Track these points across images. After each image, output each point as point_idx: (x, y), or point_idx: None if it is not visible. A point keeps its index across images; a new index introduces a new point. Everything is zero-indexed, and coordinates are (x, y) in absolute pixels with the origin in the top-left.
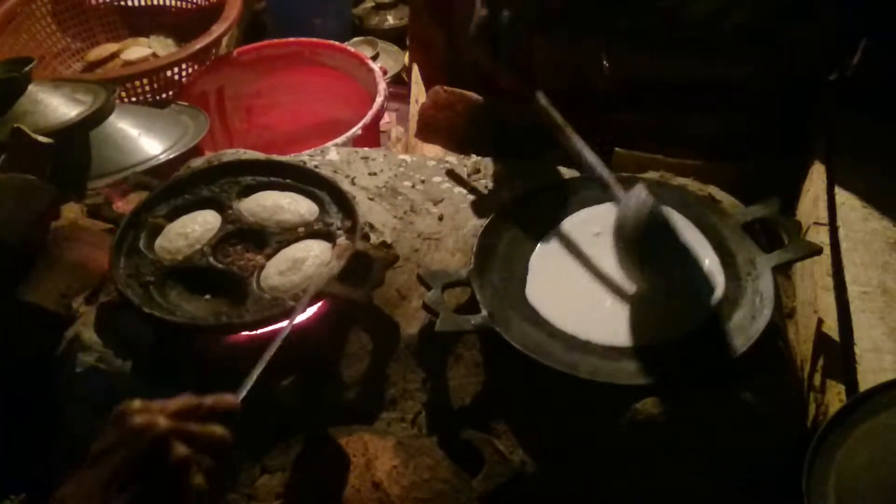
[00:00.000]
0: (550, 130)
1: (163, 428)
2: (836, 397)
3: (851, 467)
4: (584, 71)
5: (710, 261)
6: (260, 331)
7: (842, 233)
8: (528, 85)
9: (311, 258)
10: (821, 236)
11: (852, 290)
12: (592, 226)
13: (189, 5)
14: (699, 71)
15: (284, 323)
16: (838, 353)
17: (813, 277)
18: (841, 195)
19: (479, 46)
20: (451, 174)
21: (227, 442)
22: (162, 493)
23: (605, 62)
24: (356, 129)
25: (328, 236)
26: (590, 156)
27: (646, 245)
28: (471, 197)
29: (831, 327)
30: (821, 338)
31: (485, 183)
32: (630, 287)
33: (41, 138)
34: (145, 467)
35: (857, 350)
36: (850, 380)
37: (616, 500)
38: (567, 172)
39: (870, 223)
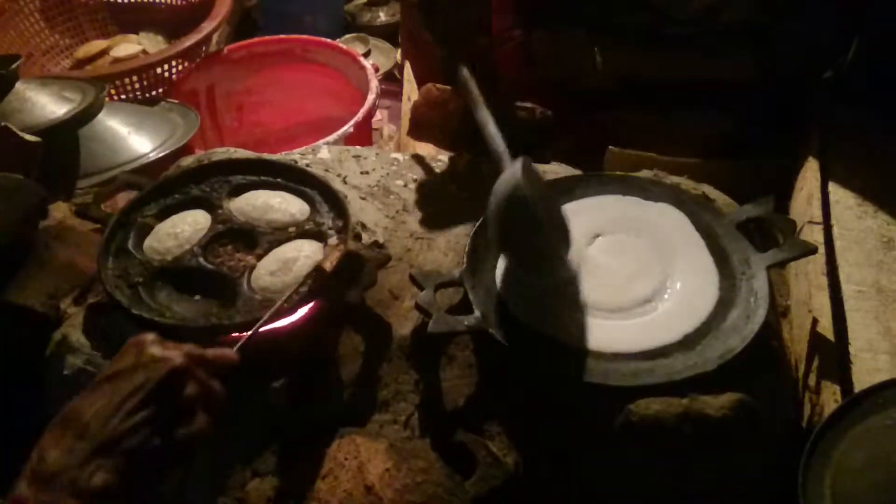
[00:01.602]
0: (466, 102)
1: (180, 363)
2: (831, 397)
3: (847, 468)
4: (579, 67)
5: (703, 261)
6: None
7: (836, 231)
8: (453, 59)
9: (302, 258)
10: (815, 235)
11: (847, 290)
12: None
13: (179, 2)
14: (692, 68)
15: (281, 323)
16: (833, 353)
17: (807, 276)
18: (835, 193)
19: (418, 12)
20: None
21: (223, 397)
22: (171, 422)
23: (599, 59)
24: (348, 127)
25: (319, 236)
26: (492, 128)
27: (506, 220)
28: (463, 195)
29: (826, 327)
30: (815, 338)
31: (477, 181)
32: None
33: (29, 137)
34: (159, 395)
35: (851, 350)
36: (845, 380)
37: (610, 501)
38: (561, 171)
39: (864, 221)
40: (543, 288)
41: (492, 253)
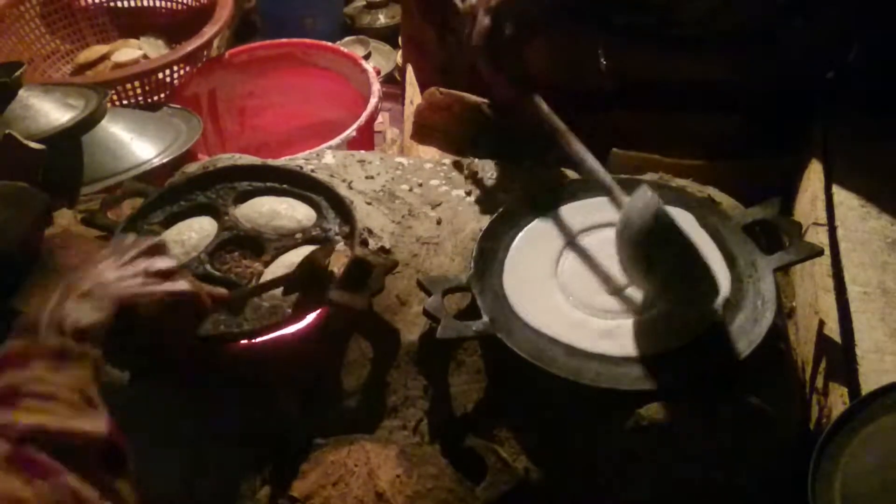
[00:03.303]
0: (551, 135)
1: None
2: (839, 399)
3: (857, 470)
4: (581, 69)
5: (716, 262)
6: (259, 339)
7: (840, 233)
8: (527, 94)
9: None
10: (819, 236)
11: (852, 291)
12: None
13: (179, 6)
14: (697, 70)
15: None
16: (840, 355)
17: (813, 278)
18: (839, 195)
19: (480, 57)
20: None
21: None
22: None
23: (602, 60)
24: (351, 131)
25: (326, 242)
26: (591, 161)
27: (653, 247)
28: (469, 200)
29: (832, 329)
30: (822, 339)
31: (483, 185)
32: (632, 291)
33: (33, 144)
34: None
35: (858, 351)
36: (852, 381)
37: None
38: (570, 173)
39: (868, 223)
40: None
41: (500, 247)
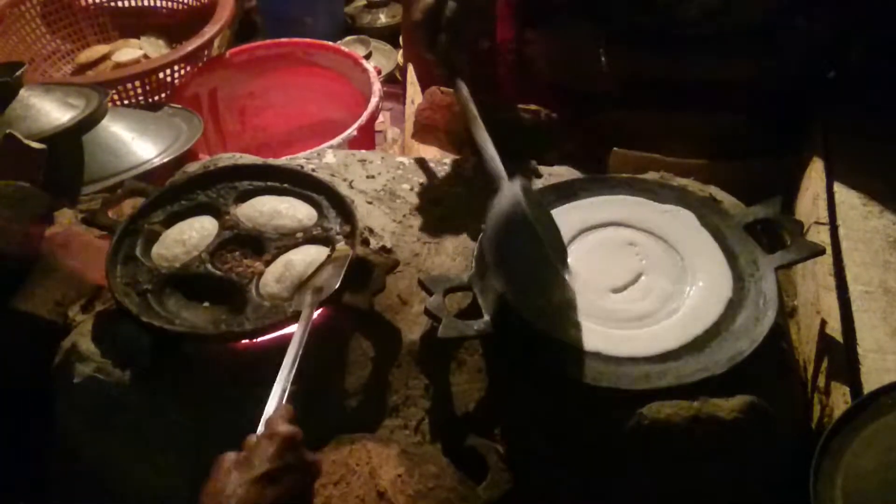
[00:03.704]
0: (465, 120)
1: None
2: (840, 399)
3: (859, 470)
4: (582, 68)
5: (717, 261)
6: (260, 339)
7: (842, 232)
8: (452, 77)
9: (310, 264)
10: (821, 235)
11: (854, 290)
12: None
13: (180, 6)
14: (697, 69)
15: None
16: (842, 354)
17: (815, 277)
18: (840, 193)
19: (418, 31)
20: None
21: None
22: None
23: (602, 60)
24: (351, 131)
25: (327, 241)
26: (490, 149)
27: (505, 239)
28: (470, 199)
29: (834, 328)
30: (824, 339)
31: (484, 184)
32: (632, 291)
33: (34, 144)
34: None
35: (860, 350)
36: (854, 381)
37: None
38: (566, 173)
39: (870, 222)
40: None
41: (490, 273)
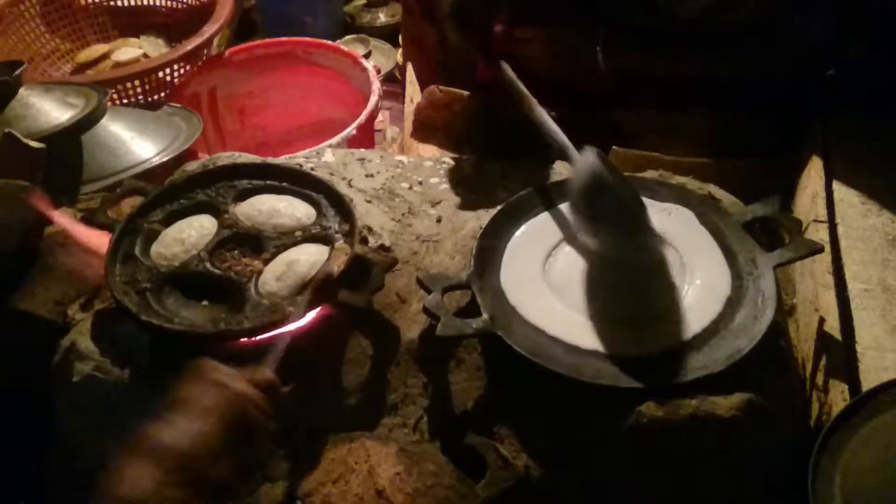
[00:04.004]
0: (516, 99)
1: (252, 395)
2: (839, 396)
3: (857, 467)
4: (581, 67)
5: (716, 259)
6: (259, 337)
7: (841, 230)
8: (493, 61)
9: (309, 262)
10: (820, 233)
11: (853, 288)
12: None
13: (179, 5)
14: (696, 67)
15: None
16: (840, 352)
17: (813, 275)
18: (839, 191)
19: (451, 24)
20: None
21: (278, 427)
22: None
23: (601, 58)
24: (351, 129)
25: (326, 240)
26: (551, 124)
27: (593, 204)
28: (469, 198)
29: (833, 326)
30: (822, 337)
31: (483, 183)
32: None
33: (33, 143)
34: (235, 425)
35: (858, 348)
36: (852, 378)
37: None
38: (565, 171)
39: (868, 220)
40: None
41: (499, 244)
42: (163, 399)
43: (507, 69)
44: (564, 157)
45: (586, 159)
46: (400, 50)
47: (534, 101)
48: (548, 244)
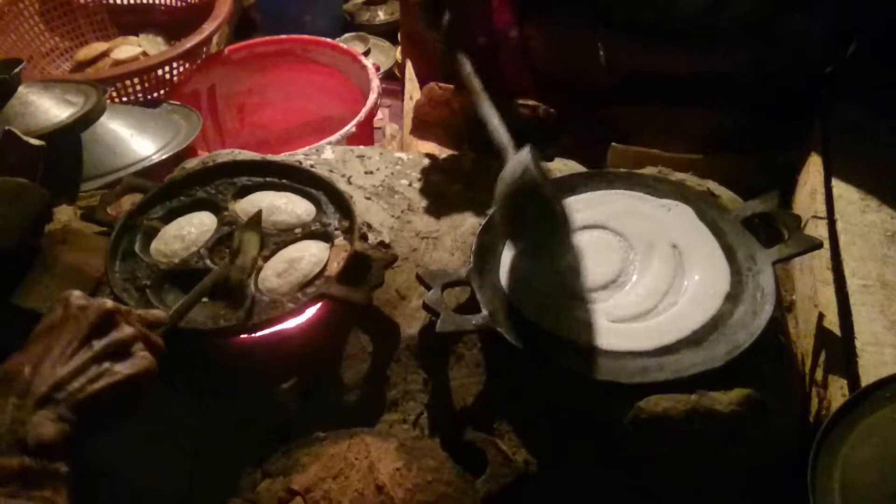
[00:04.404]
0: (469, 94)
1: (110, 305)
2: (838, 392)
3: (856, 462)
4: (581, 63)
5: (715, 255)
6: (259, 333)
7: (840, 226)
8: (453, 52)
9: (309, 259)
10: (819, 230)
11: (852, 284)
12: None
13: (179, 3)
14: (696, 64)
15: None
16: (839, 348)
17: (812, 272)
18: (838, 188)
19: (422, 10)
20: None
21: (160, 341)
22: (112, 362)
23: (601, 55)
24: (350, 127)
25: (326, 237)
26: (496, 122)
27: (515, 203)
28: (468, 194)
29: (832, 321)
30: (822, 332)
31: (482, 180)
32: (630, 285)
33: (33, 140)
34: (96, 336)
35: (857, 344)
36: (851, 374)
37: (621, 499)
38: (565, 168)
39: (867, 216)
40: (551, 282)
41: (499, 241)
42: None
43: (466, 62)
44: (503, 156)
45: (520, 157)
46: (399, 48)
47: (484, 97)
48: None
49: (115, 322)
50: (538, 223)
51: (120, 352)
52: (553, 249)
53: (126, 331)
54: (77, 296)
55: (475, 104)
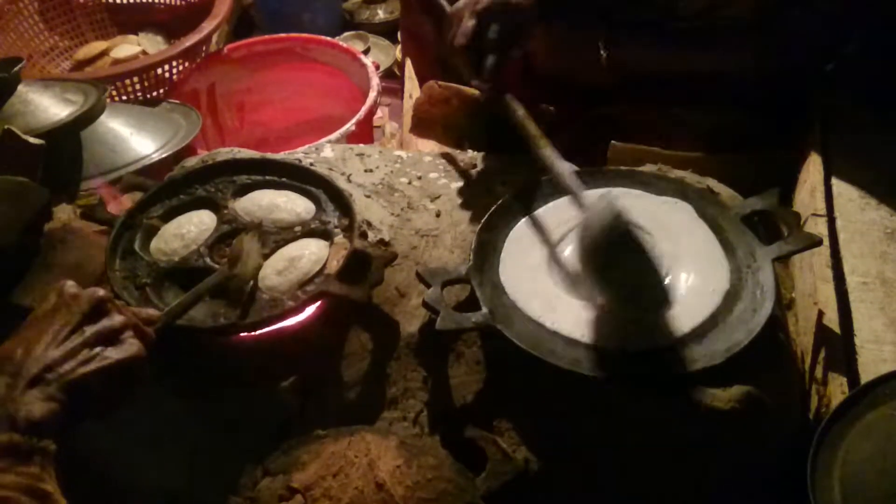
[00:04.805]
0: (524, 139)
1: (102, 293)
2: (838, 389)
3: (855, 458)
4: (582, 62)
5: (715, 253)
6: (259, 331)
7: (839, 223)
8: (500, 96)
9: (309, 257)
10: (819, 227)
11: (851, 281)
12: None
13: (178, 2)
14: (696, 62)
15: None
16: (839, 345)
17: (812, 269)
18: (838, 186)
19: (461, 57)
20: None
21: (151, 332)
22: (104, 346)
23: (602, 53)
24: (350, 125)
25: (325, 235)
26: (559, 165)
27: (605, 257)
28: (468, 192)
29: (831, 319)
30: (821, 330)
31: (482, 178)
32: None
33: (32, 139)
34: (88, 322)
35: (857, 341)
36: (851, 371)
37: (620, 497)
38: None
39: (867, 213)
40: (551, 280)
41: (499, 238)
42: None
43: (520, 108)
44: (575, 202)
45: (606, 204)
46: (398, 46)
47: (545, 142)
48: (546, 238)
49: (106, 310)
50: (634, 270)
51: (111, 338)
52: (646, 295)
53: (117, 318)
54: (70, 285)
55: (531, 149)
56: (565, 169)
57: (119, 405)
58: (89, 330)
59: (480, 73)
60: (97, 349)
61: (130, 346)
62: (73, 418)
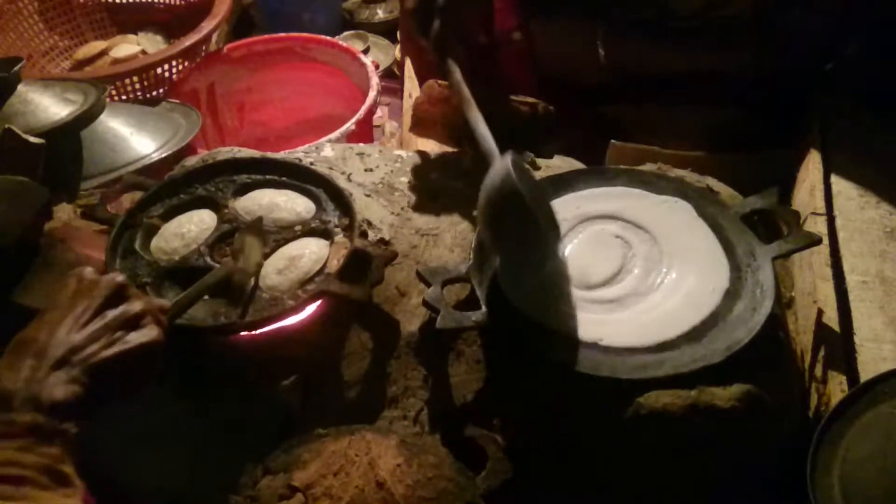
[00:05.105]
0: (457, 103)
1: (121, 279)
2: (837, 387)
3: (855, 457)
4: (580, 62)
5: (714, 252)
6: (259, 330)
7: (839, 222)
8: (444, 60)
9: (309, 256)
10: (818, 226)
11: (851, 280)
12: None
13: (178, 1)
14: (696, 61)
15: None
16: (838, 344)
17: (812, 268)
18: (837, 184)
19: (412, 18)
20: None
21: (166, 319)
22: (124, 330)
23: (601, 53)
24: (350, 125)
25: (326, 234)
26: (483, 128)
27: (497, 213)
28: (468, 191)
29: (831, 317)
30: (821, 328)
31: (481, 177)
32: (629, 280)
33: (32, 139)
34: (108, 307)
35: (856, 340)
36: (850, 370)
37: (620, 495)
38: (564, 165)
39: (866, 212)
40: (548, 282)
41: (485, 248)
42: None
43: (456, 70)
44: (488, 163)
45: (500, 164)
46: (398, 46)
47: (473, 105)
48: None
49: (126, 295)
50: (519, 230)
51: (132, 323)
52: (536, 257)
53: (136, 304)
54: (89, 270)
55: (463, 110)
56: (487, 133)
57: (139, 389)
58: (110, 314)
59: (427, 36)
60: (118, 333)
61: (151, 331)
62: (95, 402)
